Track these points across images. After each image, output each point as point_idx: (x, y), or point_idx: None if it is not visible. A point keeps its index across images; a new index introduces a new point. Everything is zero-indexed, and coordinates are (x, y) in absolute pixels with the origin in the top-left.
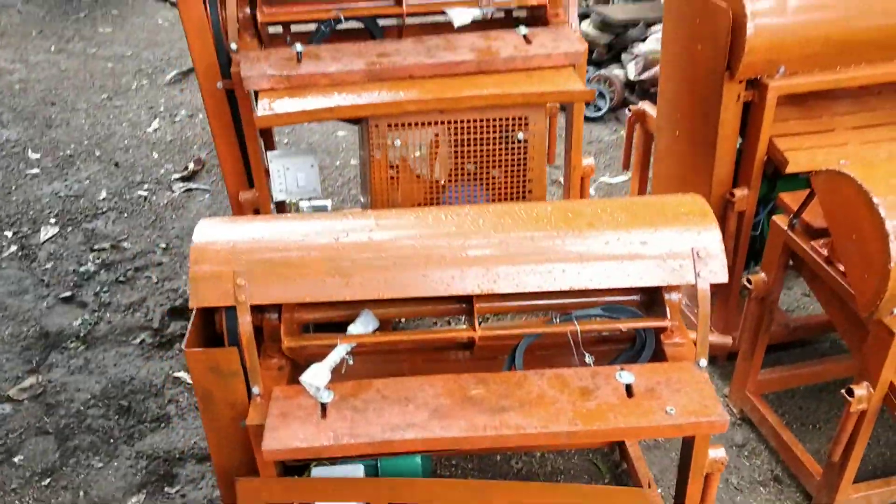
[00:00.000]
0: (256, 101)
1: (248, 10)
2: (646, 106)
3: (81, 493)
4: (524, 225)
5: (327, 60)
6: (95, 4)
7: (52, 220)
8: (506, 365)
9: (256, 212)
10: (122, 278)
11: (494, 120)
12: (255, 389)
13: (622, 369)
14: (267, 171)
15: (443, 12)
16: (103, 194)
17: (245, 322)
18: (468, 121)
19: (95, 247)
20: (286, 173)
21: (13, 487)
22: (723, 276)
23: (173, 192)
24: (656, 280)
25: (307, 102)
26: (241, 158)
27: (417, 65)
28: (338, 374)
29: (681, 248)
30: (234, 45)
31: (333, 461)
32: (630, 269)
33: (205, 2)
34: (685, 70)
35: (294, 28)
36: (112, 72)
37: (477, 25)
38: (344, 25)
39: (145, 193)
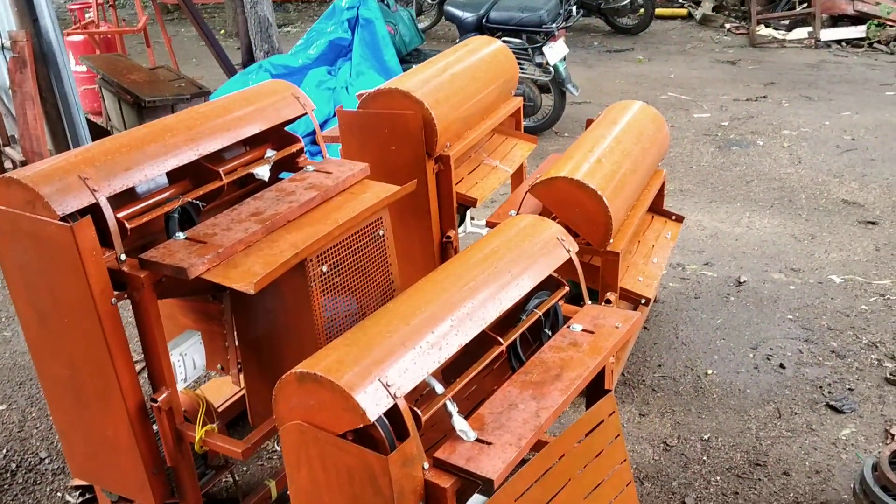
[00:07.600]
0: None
1: (116, 225)
2: None
3: None
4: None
5: (224, 233)
6: None
7: None
8: (511, 364)
9: (169, 414)
10: None
11: (365, 227)
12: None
13: (569, 326)
14: None
15: (252, 174)
16: None
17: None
18: (350, 235)
19: None
20: (184, 361)
21: None
22: (576, 245)
23: None
24: (552, 268)
25: (269, 262)
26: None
27: (289, 211)
28: None
29: (550, 244)
30: (123, 257)
31: None
32: (536, 274)
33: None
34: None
35: None
36: None
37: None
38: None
39: None
